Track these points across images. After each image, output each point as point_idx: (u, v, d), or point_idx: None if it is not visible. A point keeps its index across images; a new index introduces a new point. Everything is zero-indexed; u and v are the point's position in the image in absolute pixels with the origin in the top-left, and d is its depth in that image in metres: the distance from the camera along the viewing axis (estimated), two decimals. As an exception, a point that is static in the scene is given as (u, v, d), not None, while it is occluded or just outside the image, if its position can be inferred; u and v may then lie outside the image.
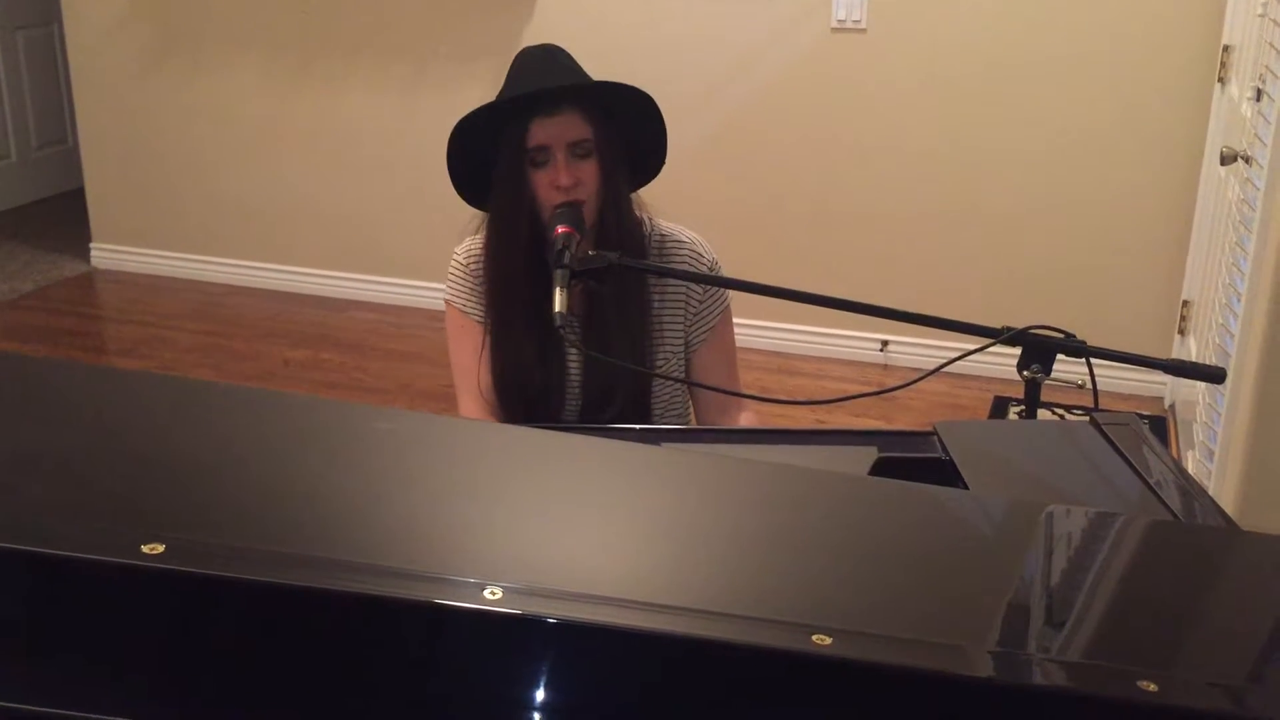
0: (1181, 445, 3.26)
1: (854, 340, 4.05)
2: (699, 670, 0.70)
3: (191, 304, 4.69)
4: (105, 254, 5.09)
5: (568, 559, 0.82)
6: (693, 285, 1.87)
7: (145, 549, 0.68)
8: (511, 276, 1.82)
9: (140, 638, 0.70)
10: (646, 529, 0.89)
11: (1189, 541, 1.04)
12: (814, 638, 0.70)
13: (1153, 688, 0.70)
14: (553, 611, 0.68)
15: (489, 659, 0.71)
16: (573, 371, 1.86)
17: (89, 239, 5.11)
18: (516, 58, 1.82)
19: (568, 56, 1.81)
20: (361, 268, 4.68)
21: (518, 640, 0.70)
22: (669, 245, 1.87)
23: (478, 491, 0.92)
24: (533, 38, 4.08)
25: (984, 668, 0.71)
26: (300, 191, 4.68)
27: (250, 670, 0.70)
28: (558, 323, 1.53)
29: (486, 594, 0.69)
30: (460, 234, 1.94)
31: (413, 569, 0.75)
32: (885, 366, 4.04)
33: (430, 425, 1.07)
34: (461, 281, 1.90)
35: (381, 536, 0.81)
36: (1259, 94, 2.53)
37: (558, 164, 1.74)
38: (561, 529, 0.87)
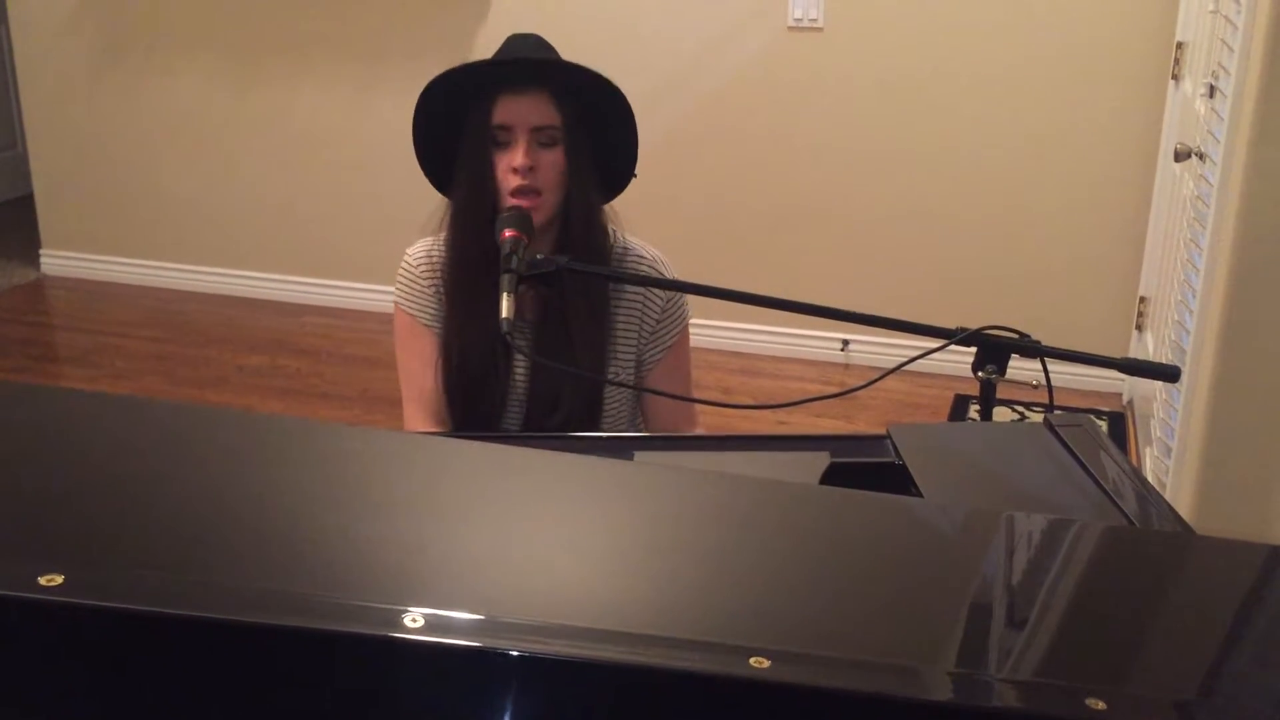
0: (1140, 442, 3.27)
1: (814, 340, 4.03)
2: (629, 697, 0.68)
3: (144, 311, 4.61)
4: (55, 261, 5.00)
5: (501, 580, 0.79)
6: (649, 301, 1.84)
7: (42, 580, 0.65)
8: (470, 264, 1.78)
9: (37, 675, 0.67)
10: (584, 546, 0.86)
11: (1144, 548, 1.02)
12: (752, 660, 0.67)
13: (1101, 706, 0.68)
14: (476, 641, 0.65)
15: (414, 691, 0.67)
16: (519, 377, 1.82)
17: (39, 245, 5.02)
18: (505, 42, 1.80)
19: (552, 49, 1.78)
20: (317, 272, 4.62)
21: (440, 671, 0.66)
22: (630, 259, 1.84)
23: (412, 510, 0.89)
24: (488, 37, 4.04)
25: (925, 689, 0.68)
26: (254, 195, 4.61)
27: (156, 708, 0.66)
28: (504, 329, 1.49)
29: (407, 621, 0.66)
30: (420, 234, 1.90)
31: (333, 595, 0.71)
32: (846, 366, 4.03)
33: (361, 439, 1.04)
34: (411, 285, 1.85)
35: (304, 561, 0.78)
36: (1212, 90, 2.54)
37: (519, 145, 1.70)
38: (497, 547, 0.84)
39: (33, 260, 5.05)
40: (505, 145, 1.71)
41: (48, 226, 4.98)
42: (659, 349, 1.86)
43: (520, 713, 0.69)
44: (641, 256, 1.84)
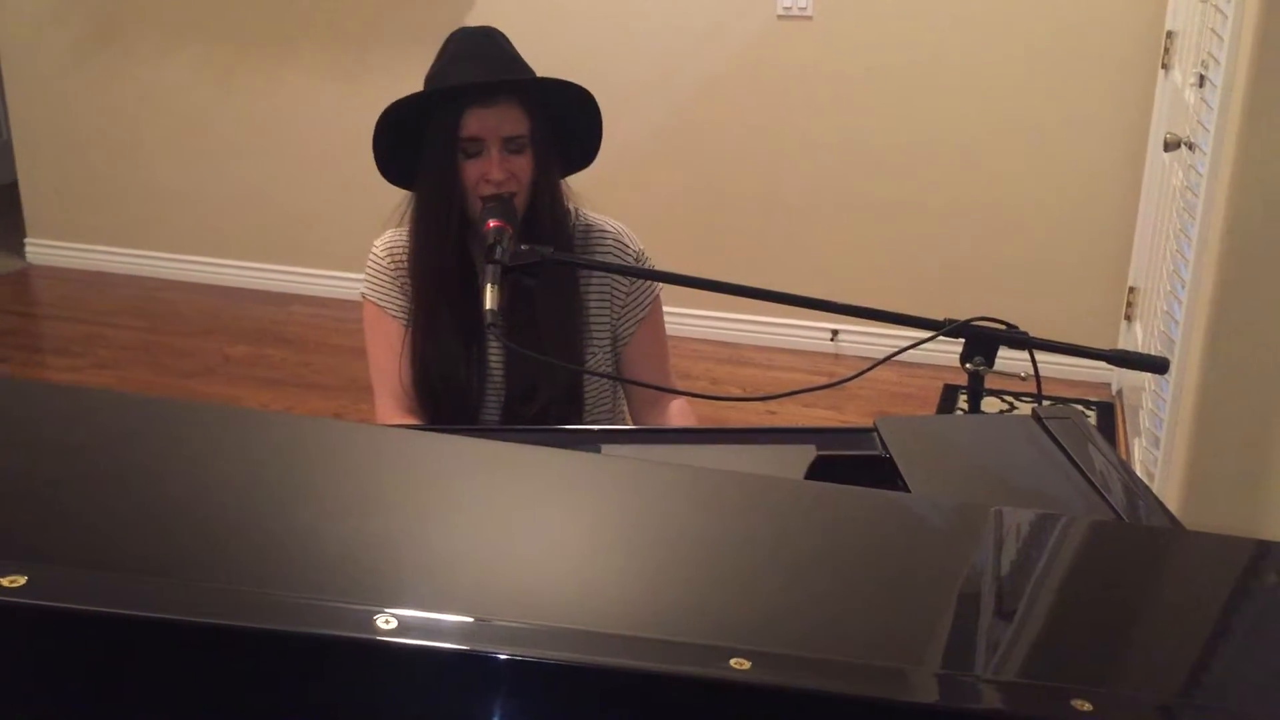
0: (1129, 432, 3.26)
1: (804, 330, 4.02)
2: (606, 699, 0.66)
3: (129, 300, 4.58)
4: (40, 249, 4.96)
5: (478, 580, 0.77)
6: (618, 277, 1.83)
7: (4, 581, 0.63)
8: (437, 268, 1.77)
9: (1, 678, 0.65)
10: (561, 544, 0.85)
11: (1132, 543, 1.01)
12: (732, 662, 0.66)
13: (1087, 707, 0.67)
14: (448, 644, 0.63)
15: (387, 695, 0.66)
16: (494, 367, 1.81)
17: (23, 234, 4.98)
18: (452, 37, 1.76)
19: (506, 41, 1.75)
20: (304, 261, 4.59)
21: (412, 675, 0.65)
22: (594, 236, 1.83)
23: (390, 506, 0.87)
24: (475, 24, 4.01)
25: (910, 691, 0.67)
26: (240, 183, 4.58)
27: (120, 712, 0.64)
28: (489, 320, 1.48)
29: (380, 623, 0.65)
30: (389, 224, 1.88)
31: (307, 596, 0.70)
32: (836, 356, 4.02)
33: (339, 433, 1.02)
34: (380, 276, 1.84)
35: (279, 560, 0.76)
36: (1201, 80, 2.53)
37: (491, 157, 1.69)
38: (475, 546, 0.83)
39: (17, 249, 5.01)
40: (474, 155, 1.70)
41: (32, 215, 4.95)
42: (632, 323, 1.86)
43: (494, 716, 0.67)
44: (605, 232, 1.83)
